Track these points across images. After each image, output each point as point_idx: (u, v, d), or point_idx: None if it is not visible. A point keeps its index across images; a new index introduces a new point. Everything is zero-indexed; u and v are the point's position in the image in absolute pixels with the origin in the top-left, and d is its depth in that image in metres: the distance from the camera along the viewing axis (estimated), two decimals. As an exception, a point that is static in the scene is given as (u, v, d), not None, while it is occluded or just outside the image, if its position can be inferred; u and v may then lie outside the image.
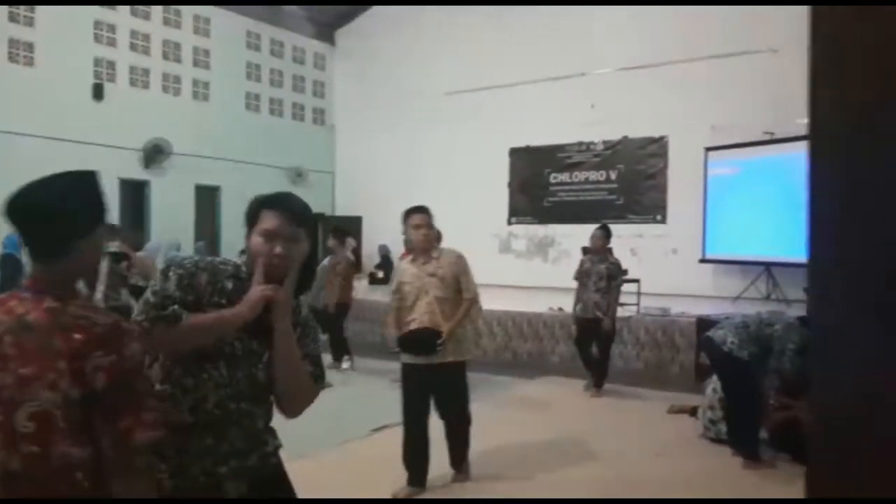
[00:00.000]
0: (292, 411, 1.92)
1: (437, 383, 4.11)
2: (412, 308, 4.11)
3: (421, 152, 14.01)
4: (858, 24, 0.46)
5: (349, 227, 13.16)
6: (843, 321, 0.47)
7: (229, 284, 1.85)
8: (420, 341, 4.05)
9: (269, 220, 1.83)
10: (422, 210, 4.12)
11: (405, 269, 4.24)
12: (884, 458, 0.47)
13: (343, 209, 15.11)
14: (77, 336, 1.43)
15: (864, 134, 0.47)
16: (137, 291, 9.24)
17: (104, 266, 7.00)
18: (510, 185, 13.50)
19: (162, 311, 1.74)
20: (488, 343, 8.95)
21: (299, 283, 1.86)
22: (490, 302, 9.10)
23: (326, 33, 15.69)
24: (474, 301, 4.31)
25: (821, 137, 0.51)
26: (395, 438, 4.21)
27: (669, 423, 5.90)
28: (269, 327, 1.80)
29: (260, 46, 14.43)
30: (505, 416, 6.06)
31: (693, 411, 5.83)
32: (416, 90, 14.08)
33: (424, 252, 4.14)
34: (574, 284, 7.09)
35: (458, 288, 4.16)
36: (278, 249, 1.80)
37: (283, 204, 1.86)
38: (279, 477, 1.98)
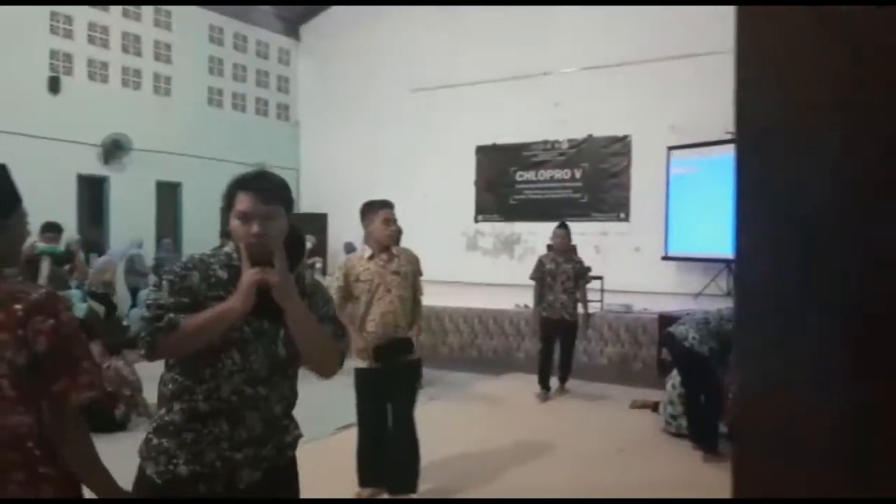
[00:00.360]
0: (325, 374, 1.97)
1: (393, 384, 3.98)
2: (368, 305, 3.93)
3: (387, 149, 13.97)
4: (782, 24, 0.47)
5: (315, 225, 13.07)
6: (766, 322, 0.49)
7: (224, 274, 1.86)
8: (397, 352, 3.94)
9: (242, 202, 1.82)
10: (390, 205, 3.96)
11: (356, 264, 4.00)
12: (806, 456, 0.48)
13: (308, 206, 14.98)
14: (17, 307, 1.49)
15: (790, 134, 0.49)
16: (99, 298, 9.06)
17: (45, 268, 6.77)
18: (477, 182, 13.54)
19: (158, 322, 1.75)
20: (454, 340, 8.97)
21: (292, 256, 1.85)
22: (457, 299, 9.13)
23: (291, 28, 15.53)
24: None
25: (746, 138, 0.52)
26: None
27: (632, 418, 5.99)
28: (276, 305, 1.80)
29: (223, 41, 14.22)
30: (470, 413, 6.08)
31: (655, 406, 5.93)
32: (381, 87, 14.03)
33: (387, 249, 3.97)
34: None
35: (414, 287, 4.10)
36: (255, 229, 1.79)
37: (254, 183, 1.85)
38: (291, 470, 2.01)
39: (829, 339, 0.45)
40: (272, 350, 1.86)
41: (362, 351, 3.91)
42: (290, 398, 1.96)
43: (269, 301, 1.79)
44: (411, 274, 4.06)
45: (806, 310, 0.46)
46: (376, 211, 3.91)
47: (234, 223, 1.83)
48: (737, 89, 0.52)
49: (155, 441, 1.83)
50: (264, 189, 1.84)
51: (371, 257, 3.98)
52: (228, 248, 1.91)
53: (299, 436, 2.01)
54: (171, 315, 1.75)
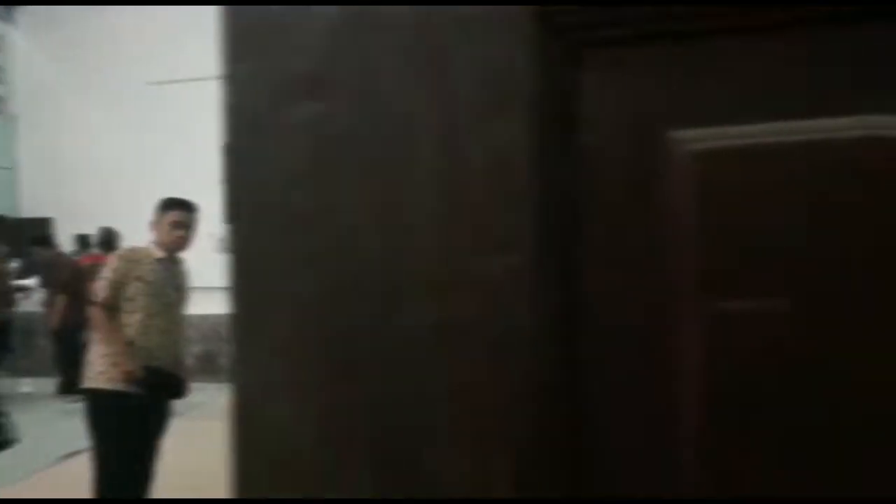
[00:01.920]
0: None
1: (150, 415, 3.40)
2: (147, 315, 3.30)
3: (124, 147, 13.04)
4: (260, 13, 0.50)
5: (36, 231, 11.81)
6: (267, 329, 0.51)
7: None
8: (169, 389, 3.41)
9: None
10: (186, 206, 3.40)
11: (143, 258, 3.36)
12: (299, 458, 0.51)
13: (30, 210, 13.46)
14: None
15: (272, 121, 0.50)
16: None
17: None
18: (224, 181, 13.20)
19: None
20: (199, 348, 8.76)
21: None
22: (205, 305, 8.84)
23: (3, 10, 13.72)
24: None
25: (231, 121, 0.54)
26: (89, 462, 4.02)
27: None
28: None
29: None
30: (213, 430, 6.06)
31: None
32: (117, 78, 13.03)
33: (172, 256, 3.45)
34: None
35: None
36: None
37: None
38: None
39: (319, 352, 0.49)
40: None
41: (129, 374, 3.20)
42: None
43: None
44: (185, 289, 3.55)
45: (306, 317, 0.48)
46: (166, 211, 3.37)
47: None
48: (224, 66, 0.55)
49: None
50: None
51: (160, 259, 3.40)
52: None
53: None
54: None
